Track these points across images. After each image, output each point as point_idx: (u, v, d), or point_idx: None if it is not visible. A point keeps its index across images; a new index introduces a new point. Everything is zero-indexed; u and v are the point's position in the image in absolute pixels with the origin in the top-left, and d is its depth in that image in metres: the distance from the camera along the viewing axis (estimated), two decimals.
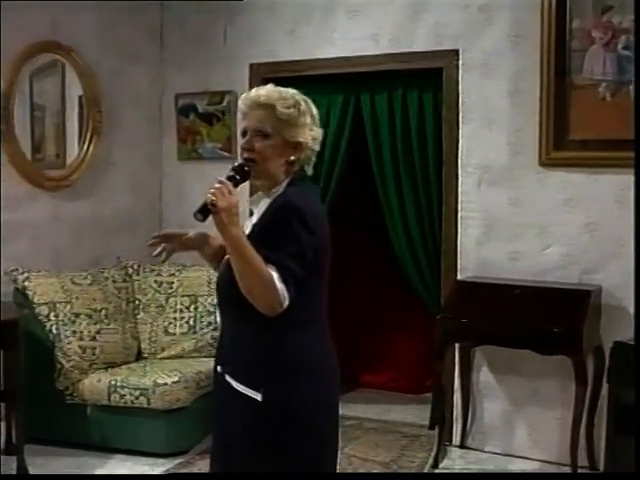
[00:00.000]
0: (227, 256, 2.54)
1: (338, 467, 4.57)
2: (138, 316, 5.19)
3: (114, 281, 5.14)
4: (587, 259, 4.59)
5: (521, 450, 4.75)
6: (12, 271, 4.81)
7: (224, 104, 5.48)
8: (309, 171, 2.68)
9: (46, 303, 4.77)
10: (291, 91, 2.62)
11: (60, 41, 5.16)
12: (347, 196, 5.52)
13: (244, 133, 2.59)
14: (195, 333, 5.15)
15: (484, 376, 4.90)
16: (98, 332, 4.89)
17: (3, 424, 4.65)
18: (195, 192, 5.66)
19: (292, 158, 2.58)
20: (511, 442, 4.80)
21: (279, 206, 2.51)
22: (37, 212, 5.15)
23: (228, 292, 2.53)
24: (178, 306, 5.22)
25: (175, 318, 5.19)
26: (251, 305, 2.42)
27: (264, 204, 2.59)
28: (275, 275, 2.38)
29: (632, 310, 4.40)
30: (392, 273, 5.60)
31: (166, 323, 5.18)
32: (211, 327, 5.15)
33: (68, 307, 4.82)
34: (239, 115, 2.66)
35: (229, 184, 2.44)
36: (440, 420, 4.73)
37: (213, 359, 2.73)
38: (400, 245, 5.17)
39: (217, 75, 5.53)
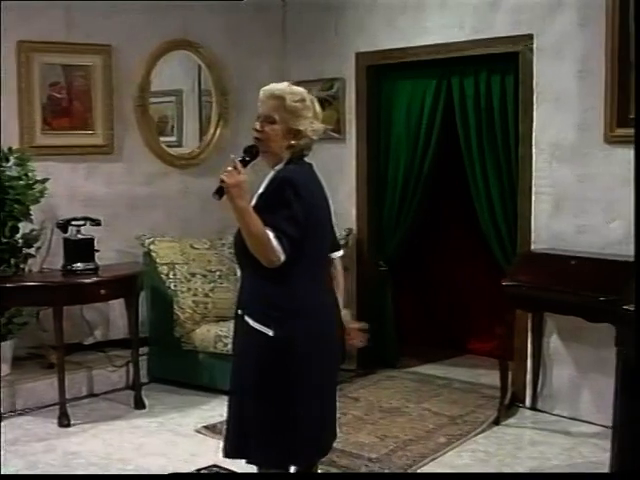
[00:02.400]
0: None
1: (409, 417, 5.08)
2: None
3: (230, 247, 5.88)
4: None
5: (586, 415, 4.97)
6: (141, 236, 5.68)
7: (334, 90, 6.06)
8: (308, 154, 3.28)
9: (167, 264, 5.60)
10: (301, 89, 3.24)
11: (190, 39, 5.98)
12: (440, 172, 5.94)
13: (258, 118, 3.20)
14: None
15: (554, 343, 5.17)
16: (211, 290, 5.64)
17: (131, 365, 5.54)
18: None
19: (292, 142, 3.18)
20: (577, 407, 5.05)
21: (277, 180, 3.14)
22: (169, 187, 6.00)
23: (243, 251, 3.15)
24: None
25: None
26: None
27: (268, 178, 3.21)
28: (271, 235, 3.00)
29: None
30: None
31: None
32: None
33: (185, 267, 5.62)
34: (258, 103, 3.24)
35: (238, 164, 3.06)
36: (503, 384, 5.08)
37: None
38: (485, 219, 5.51)
39: (329, 64, 6.12)
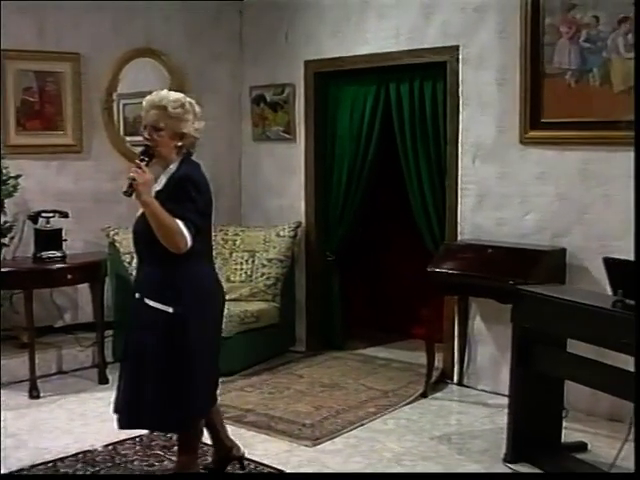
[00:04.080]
0: (139, 213, 3.74)
1: (345, 391, 5.60)
2: None
3: None
4: (557, 225, 5.29)
5: (504, 389, 5.41)
6: (106, 228, 6.22)
7: (285, 94, 6.61)
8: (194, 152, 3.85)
9: (129, 253, 6.07)
10: (179, 95, 3.77)
11: (152, 47, 6.51)
12: (380, 169, 6.47)
13: (145, 127, 3.73)
14: (251, 281, 6.34)
15: (477, 325, 5.74)
16: None
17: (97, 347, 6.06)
18: (266, 166, 6.88)
19: (179, 144, 3.72)
20: (497, 381, 5.56)
21: (180, 178, 3.67)
22: None
23: (144, 238, 3.69)
24: (239, 259, 6.44)
25: (236, 269, 6.44)
26: (161, 246, 3.58)
27: (164, 177, 3.73)
28: (181, 224, 3.54)
29: (592, 269, 5.07)
30: None
31: (228, 273, 6.40)
32: (264, 277, 6.35)
33: None
34: (142, 113, 3.78)
35: (143, 165, 3.62)
36: (429, 362, 5.63)
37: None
38: (418, 212, 6.07)
39: (280, 70, 6.67)
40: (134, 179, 3.54)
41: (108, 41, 6.33)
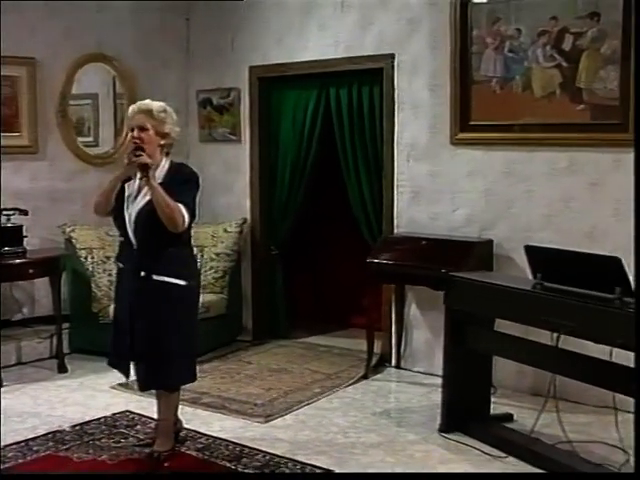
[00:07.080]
0: (141, 204, 4.25)
1: (292, 374, 5.99)
2: None
3: None
4: (484, 219, 5.80)
5: (438, 370, 5.90)
6: (63, 225, 6.54)
7: (230, 98, 7.03)
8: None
9: (85, 248, 6.48)
10: (161, 103, 4.38)
11: (104, 52, 6.85)
12: (321, 169, 6.93)
13: (132, 129, 4.29)
14: (200, 274, 6.69)
15: (413, 311, 6.22)
16: None
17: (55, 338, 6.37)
18: (213, 166, 7.25)
19: (162, 142, 4.29)
20: (432, 363, 6.04)
21: (188, 173, 4.36)
22: (87, 182, 6.82)
23: (149, 224, 4.22)
24: None
25: None
26: (165, 231, 4.16)
27: (158, 173, 4.28)
28: (181, 207, 4.16)
29: (516, 258, 5.56)
30: None
31: None
32: (213, 270, 6.74)
33: (101, 252, 6.50)
34: (126, 119, 4.36)
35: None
36: (369, 346, 6.09)
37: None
38: (357, 209, 6.53)
39: (226, 75, 7.09)
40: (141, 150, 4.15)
41: (62, 46, 6.64)
